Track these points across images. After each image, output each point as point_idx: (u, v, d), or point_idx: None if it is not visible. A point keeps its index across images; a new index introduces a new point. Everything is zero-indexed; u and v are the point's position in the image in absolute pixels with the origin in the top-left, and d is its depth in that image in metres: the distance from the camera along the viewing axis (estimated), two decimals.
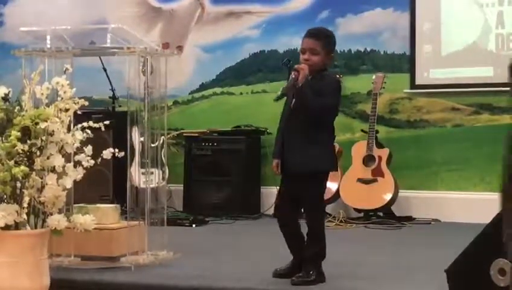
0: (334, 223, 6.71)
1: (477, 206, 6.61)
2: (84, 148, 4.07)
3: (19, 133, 3.71)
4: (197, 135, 7.60)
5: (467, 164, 7.12)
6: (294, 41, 7.52)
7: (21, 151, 3.73)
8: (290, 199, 4.35)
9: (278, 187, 4.61)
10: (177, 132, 7.85)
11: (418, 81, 7.30)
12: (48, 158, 3.83)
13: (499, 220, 3.30)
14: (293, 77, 4.17)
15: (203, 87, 8.14)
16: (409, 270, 4.79)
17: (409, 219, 6.93)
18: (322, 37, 4.32)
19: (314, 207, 4.36)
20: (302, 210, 4.39)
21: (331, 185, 7.11)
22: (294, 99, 4.25)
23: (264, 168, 7.41)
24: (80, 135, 4.00)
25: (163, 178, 5.29)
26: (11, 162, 3.70)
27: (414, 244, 5.79)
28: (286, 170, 4.31)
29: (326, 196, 7.03)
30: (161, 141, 5.15)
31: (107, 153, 4.15)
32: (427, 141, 7.26)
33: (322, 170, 4.33)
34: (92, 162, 4.02)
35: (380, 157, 6.95)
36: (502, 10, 7.09)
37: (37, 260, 3.81)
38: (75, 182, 3.98)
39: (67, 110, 3.99)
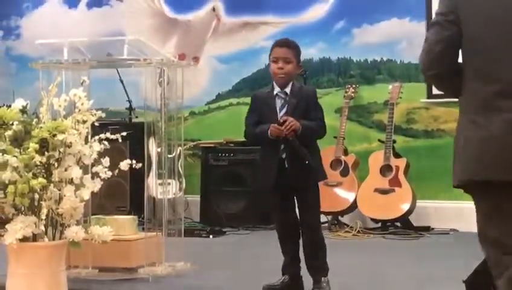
0: (352, 234, 6.69)
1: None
2: (101, 159, 4.07)
3: (37, 145, 3.73)
4: (213, 145, 7.60)
5: None
6: (310, 51, 7.52)
7: (39, 163, 3.74)
8: (290, 215, 4.40)
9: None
10: (194, 143, 7.86)
11: (434, 91, 7.26)
12: (65, 170, 3.84)
13: None
14: (296, 142, 4.21)
15: (219, 97, 8.15)
16: (427, 281, 4.77)
17: (427, 229, 6.90)
18: (293, 47, 4.41)
19: (315, 217, 4.42)
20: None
21: (348, 195, 7.09)
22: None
23: None
24: (97, 147, 4.01)
25: (180, 189, 5.29)
26: (29, 174, 3.71)
27: (432, 255, 5.76)
28: (286, 185, 4.32)
29: (344, 206, 7.07)
30: (178, 152, 5.16)
31: (124, 165, 4.15)
32: (445, 151, 7.21)
33: (320, 179, 4.44)
34: (110, 173, 4.03)
35: (397, 167, 6.93)
36: None
37: (55, 272, 3.81)
38: (92, 193, 3.99)
39: (84, 121, 4.00)
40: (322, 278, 4.30)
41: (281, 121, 4.22)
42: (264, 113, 4.37)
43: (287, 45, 4.40)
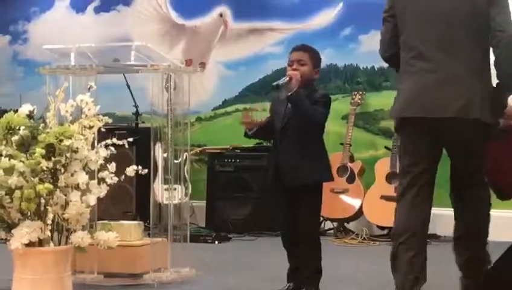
0: (358, 241, 6.68)
1: (502, 224, 6.53)
2: (107, 165, 4.07)
3: (43, 151, 3.72)
4: (219, 151, 7.60)
5: None
6: None
7: (45, 169, 3.73)
8: (291, 218, 4.34)
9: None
10: (200, 148, 7.86)
11: None
12: (72, 175, 3.83)
13: None
14: (286, 78, 4.23)
15: (225, 103, 8.16)
16: (433, 289, 4.75)
17: (434, 236, 6.87)
18: (308, 50, 4.41)
19: (311, 220, 4.35)
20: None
21: (354, 202, 7.08)
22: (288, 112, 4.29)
23: None
24: (103, 152, 4.01)
25: (186, 194, 5.29)
26: (36, 179, 3.71)
27: (439, 262, 5.73)
28: (283, 183, 4.30)
29: (350, 212, 7.07)
30: (184, 157, 5.16)
31: (130, 171, 4.15)
32: None
33: (318, 181, 4.36)
34: (116, 179, 4.02)
35: None
36: None
37: (60, 277, 3.81)
38: (98, 198, 3.99)
39: (91, 127, 4.00)
40: (307, 288, 4.28)
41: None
42: (274, 110, 4.46)
43: (301, 48, 4.41)
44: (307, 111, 4.23)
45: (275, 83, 4.30)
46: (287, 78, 4.23)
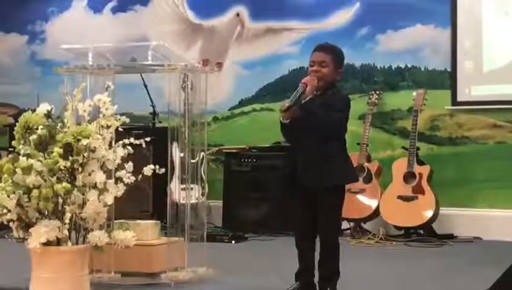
0: (374, 241, 6.66)
1: None
2: (124, 164, 4.08)
3: (61, 150, 3.75)
4: (236, 151, 7.60)
5: (509, 181, 7.03)
6: None
7: (63, 168, 3.76)
8: (307, 219, 4.30)
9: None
10: (217, 148, 7.86)
11: (459, 98, 7.24)
12: (89, 175, 3.85)
13: None
14: (300, 89, 4.14)
15: (242, 103, 8.16)
16: (450, 289, 4.74)
17: (450, 236, 6.86)
18: (331, 51, 4.33)
19: (330, 223, 4.28)
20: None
21: (371, 202, 7.07)
22: (300, 115, 4.16)
23: None
24: (121, 152, 4.02)
25: (202, 194, 5.30)
26: (54, 179, 3.73)
27: (455, 263, 5.72)
28: (301, 187, 4.26)
29: (366, 212, 7.05)
30: (201, 157, 5.16)
31: (147, 170, 4.17)
32: (469, 158, 7.18)
33: (336, 184, 4.26)
34: (133, 178, 4.04)
35: (420, 175, 6.89)
36: None
37: (78, 276, 3.83)
38: (115, 197, 4.00)
39: (108, 127, 4.01)
40: (325, 288, 4.25)
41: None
42: None
43: (322, 48, 4.33)
44: (319, 121, 4.16)
45: (288, 104, 4.11)
46: (303, 85, 4.16)
